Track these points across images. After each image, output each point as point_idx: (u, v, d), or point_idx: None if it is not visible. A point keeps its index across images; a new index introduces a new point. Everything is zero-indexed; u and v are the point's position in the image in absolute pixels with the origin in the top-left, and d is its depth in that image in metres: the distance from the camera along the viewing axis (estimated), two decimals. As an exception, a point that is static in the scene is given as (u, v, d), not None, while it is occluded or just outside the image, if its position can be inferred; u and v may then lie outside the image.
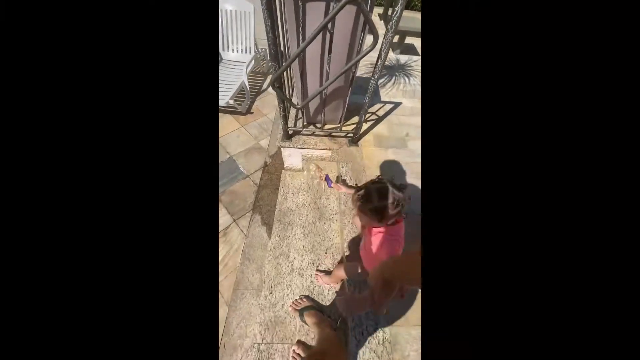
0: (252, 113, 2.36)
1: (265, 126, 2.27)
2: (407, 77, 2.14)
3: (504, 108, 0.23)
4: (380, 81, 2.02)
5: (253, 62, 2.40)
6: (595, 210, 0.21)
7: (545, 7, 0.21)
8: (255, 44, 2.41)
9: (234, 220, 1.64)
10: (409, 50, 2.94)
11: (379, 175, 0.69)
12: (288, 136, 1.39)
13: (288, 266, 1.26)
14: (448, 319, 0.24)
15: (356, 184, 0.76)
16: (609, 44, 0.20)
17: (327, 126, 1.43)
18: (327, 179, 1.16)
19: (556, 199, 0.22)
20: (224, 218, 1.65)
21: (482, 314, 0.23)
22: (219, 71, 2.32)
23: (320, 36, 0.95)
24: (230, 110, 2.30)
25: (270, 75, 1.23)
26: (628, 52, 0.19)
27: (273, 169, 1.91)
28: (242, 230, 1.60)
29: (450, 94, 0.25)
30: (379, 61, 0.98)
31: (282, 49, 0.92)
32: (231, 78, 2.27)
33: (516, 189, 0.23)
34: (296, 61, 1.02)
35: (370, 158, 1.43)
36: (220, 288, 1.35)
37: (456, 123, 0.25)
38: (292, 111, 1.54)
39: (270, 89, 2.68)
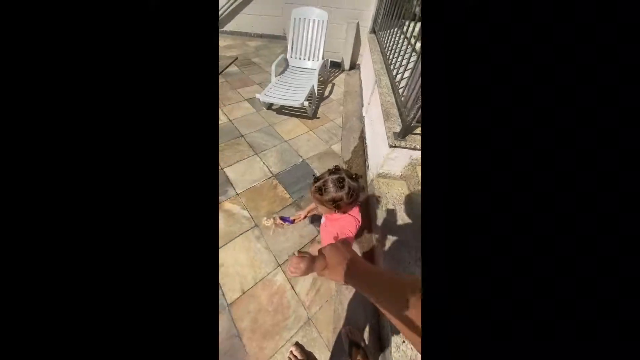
0: (318, 118, 2.24)
1: (333, 131, 2.11)
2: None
3: (504, 107, 0.23)
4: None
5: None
6: (598, 213, 0.20)
7: (545, 6, 0.21)
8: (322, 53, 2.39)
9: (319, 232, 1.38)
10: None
11: (335, 165, 0.69)
12: (405, 132, 1.17)
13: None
14: (450, 324, 0.24)
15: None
16: (611, 43, 0.20)
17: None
18: (283, 219, 0.92)
19: (560, 201, 0.22)
20: (307, 228, 1.39)
21: (485, 320, 0.23)
22: (291, 77, 2.38)
23: None
24: (298, 114, 2.20)
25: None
26: (630, 50, 0.19)
27: (353, 176, 1.69)
28: (329, 245, 1.33)
29: (450, 93, 0.25)
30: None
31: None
32: (303, 83, 2.25)
33: (517, 189, 0.23)
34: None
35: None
36: (316, 325, 1.04)
37: (457, 122, 0.25)
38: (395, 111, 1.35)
39: (333, 95, 2.60)
